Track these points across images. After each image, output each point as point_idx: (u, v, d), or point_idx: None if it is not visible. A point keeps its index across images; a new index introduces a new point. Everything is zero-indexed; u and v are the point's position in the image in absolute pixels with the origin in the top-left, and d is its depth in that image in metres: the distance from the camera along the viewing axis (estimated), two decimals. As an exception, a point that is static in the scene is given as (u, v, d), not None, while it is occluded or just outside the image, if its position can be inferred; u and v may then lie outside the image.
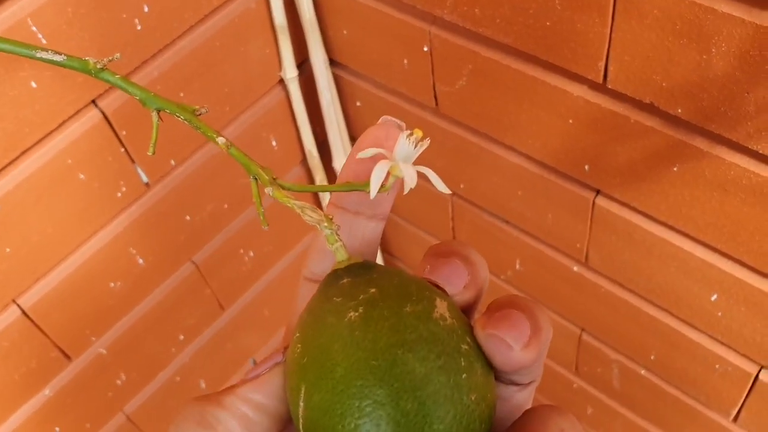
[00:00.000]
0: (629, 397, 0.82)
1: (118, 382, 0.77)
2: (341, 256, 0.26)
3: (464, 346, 0.23)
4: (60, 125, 0.58)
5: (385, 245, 1.00)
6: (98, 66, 0.33)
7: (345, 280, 0.25)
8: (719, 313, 0.61)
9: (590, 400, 0.89)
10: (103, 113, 0.60)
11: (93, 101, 0.60)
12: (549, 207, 0.68)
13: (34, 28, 0.52)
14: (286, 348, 0.26)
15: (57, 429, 0.73)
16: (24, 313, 0.64)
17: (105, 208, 0.65)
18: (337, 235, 0.26)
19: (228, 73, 0.68)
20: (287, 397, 0.25)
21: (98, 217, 0.65)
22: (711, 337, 0.64)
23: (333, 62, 0.75)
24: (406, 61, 0.66)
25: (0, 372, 0.64)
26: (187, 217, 0.73)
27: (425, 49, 0.63)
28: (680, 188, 0.54)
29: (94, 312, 0.70)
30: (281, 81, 0.75)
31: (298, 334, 0.25)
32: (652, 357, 0.72)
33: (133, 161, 0.65)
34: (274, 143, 0.78)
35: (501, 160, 0.67)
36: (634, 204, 0.59)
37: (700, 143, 0.50)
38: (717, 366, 0.66)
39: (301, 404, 0.23)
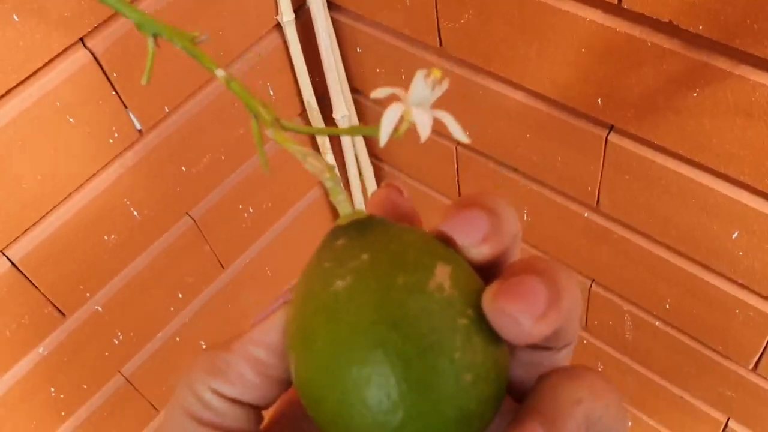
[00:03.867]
0: (642, 351, 0.79)
1: (116, 341, 0.74)
2: (345, 210, 0.23)
3: (462, 320, 0.20)
4: (46, 64, 0.55)
5: (388, 204, 0.97)
6: None
7: (340, 242, 0.22)
8: (740, 253, 0.58)
9: (601, 357, 0.86)
10: (93, 53, 0.57)
11: (81, 39, 0.57)
12: (559, 149, 0.65)
13: (14, -44, 0.50)
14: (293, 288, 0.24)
15: (52, 389, 0.71)
16: (14, 265, 0.61)
17: (97, 155, 0.62)
18: (341, 187, 0.23)
19: (222, 14, 0.66)
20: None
21: (90, 165, 0.62)
22: (731, 280, 0.62)
23: (331, 5, 0.72)
24: (408, -2, 0.63)
25: (-9, 328, 0.62)
26: (183, 168, 0.71)
27: (428, -19, 0.60)
28: (700, 117, 0.51)
29: (88, 266, 0.67)
30: (278, 25, 0.72)
31: (294, 294, 0.23)
32: (666, 306, 0.70)
33: (125, 106, 0.62)
34: (271, 92, 0.76)
35: (508, 101, 0.64)
36: (650, 138, 0.56)
37: (723, 63, 0.47)
38: (737, 311, 0.63)
39: (292, 369, 0.22)
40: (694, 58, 0.48)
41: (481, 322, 0.21)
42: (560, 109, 0.61)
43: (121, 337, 0.74)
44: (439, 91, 0.23)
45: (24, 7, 0.52)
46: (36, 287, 0.64)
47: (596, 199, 0.66)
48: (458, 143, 0.75)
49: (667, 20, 0.47)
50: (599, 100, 0.57)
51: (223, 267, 0.82)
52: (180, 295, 0.79)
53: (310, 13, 0.70)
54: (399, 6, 0.65)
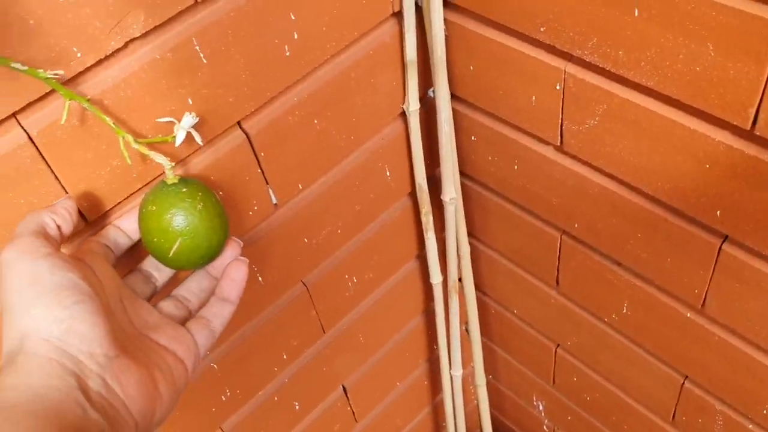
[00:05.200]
0: (731, 451, 0.80)
1: (223, 398, 0.78)
2: (173, 179, 0.53)
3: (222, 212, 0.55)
4: (208, 143, 0.61)
5: (478, 281, 1.00)
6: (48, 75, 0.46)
7: (184, 189, 0.52)
8: None
9: (685, 452, 0.87)
10: (247, 135, 0.63)
11: (238, 124, 0.62)
12: (668, 250, 0.67)
13: (197, 48, 0.55)
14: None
15: (164, 440, 0.75)
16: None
17: (237, 225, 0.67)
18: (172, 167, 0.53)
19: (357, 103, 0.71)
20: (155, 244, 0.53)
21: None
22: (836, 393, 0.63)
23: (454, 97, 0.77)
24: (534, 98, 0.68)
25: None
26: (305, 240, 0.75)
27: (558, 87, 0.64)
28: (822, 238, 0.54)
29: (211, 326, 0.71)
30: (402, 113, 0.77)
31: (168, 218, 0.51)
32: (765, 411, 0.71)
33: (267, 182, 0.67)
34: (387, 173, 0.80)
35: (623, 201, 0.67)
36: (766, 252, 0.59)
37: None
38: (839, 424, 0.64)
39: (176, 246, 0.52)
40: (823, 185, 0.51)
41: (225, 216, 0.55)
42: (676, 214, 0.64)
43: (228, 394, 0.78)
44: (194, 121, 0.53)
45: (198, 94, 0.57)
46: (166, 342, 0.68)
47: (702, 302, 0.68)
48: (564, 231, 0.79)
49: (799, 149, 0.51)
50: (718, 212, 0.60)
51: (324, 331, 0.86)
52: (284, 356, 0.83)
53: (435, 103, 0.75)
54: (523, 105, 0.70)
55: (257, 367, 0.80)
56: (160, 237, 0.52)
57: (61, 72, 0.47)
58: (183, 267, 0.55)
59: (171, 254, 0.52)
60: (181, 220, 0.51)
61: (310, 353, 0.87)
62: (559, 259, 0.82)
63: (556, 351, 0.97)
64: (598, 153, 0.66)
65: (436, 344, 1.07)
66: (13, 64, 0.44)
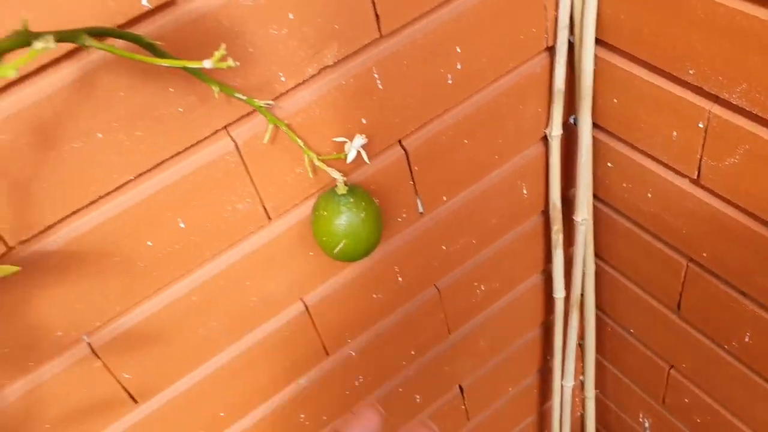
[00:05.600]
0: None
1: (356, 383, 0.86)
2: (343, 190, 0.61)
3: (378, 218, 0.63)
4: (376, 155, 0.68)
5: (598, 299, 1.04)
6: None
7: (351, 200, 0.61)
8: None
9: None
10: (405, 151, 0.70)
11: (399, 141, 0.70)
12: (798, 288, 0.70)
13: (375, 75, 0.63)
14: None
15: (302, 416, 0.83)
16: (307, 309, 0.74)
17: (386, 229, 0.74)
18: (344, 182, 0.61)
19: (505, 126, 0.77)
20: (323, 242, 0.62)
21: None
22: None
23: (595, 125, 0.82)
24: (675, 134, 0.71)
25: (277, 356, 0.75)
26: (443, 247, 0.82)
27: (700, 125, 0.68)
28: None
29: (355, 317, 0.79)
30: (544, 137, 0.82)
31: (336, 223, 0.61)
32: None
33: (416, 193, 0.74)
34: (524, 191, 0.86)
35: (756, 235, 0.70)
36: None
37: None
38: None
39: (340, 246, 0.61)
40: None
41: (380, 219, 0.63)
42: (809, 254, 0.67)
43: (361, 380, 0.86)
44: (364, 141, 0.61)
45: (370, 115, 0.65)
46: (316, 329, 0.76)
47: (829, 340, 0.70)
48: (690, 259, 0.82)
49: None
50: None
51: (449, 332, 0.93)
52: (412, 352, 0.90)
53: (576, 129, 0.80)
54: (663, 138, 0.73)
55: (388, 359, 0.87)
56: (328, 237, 0.61)
57: (271, 102, 0.56)
58: (343, 260, 0.63)
59: (335, 251, 0.61)
60: (346, 226, 0.60)
61: (435, 352, 0.93)
62: (683, 285, 0.85)
63: (669, 372, 0.99)
64: (735, 189, 0.69)
65: (550, 355, 1.11)
66: (236, 94, 0.53)
